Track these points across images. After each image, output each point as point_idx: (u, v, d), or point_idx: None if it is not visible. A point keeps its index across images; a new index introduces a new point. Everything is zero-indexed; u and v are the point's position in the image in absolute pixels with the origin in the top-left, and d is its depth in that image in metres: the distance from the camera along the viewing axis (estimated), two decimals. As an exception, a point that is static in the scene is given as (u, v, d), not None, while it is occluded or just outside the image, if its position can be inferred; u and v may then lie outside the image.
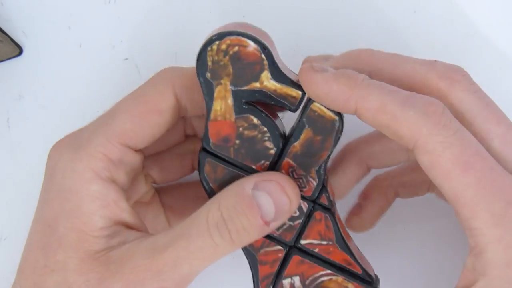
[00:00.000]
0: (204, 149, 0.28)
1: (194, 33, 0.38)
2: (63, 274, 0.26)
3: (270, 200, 0.27)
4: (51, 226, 0.27)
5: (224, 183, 0.28)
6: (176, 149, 0.34)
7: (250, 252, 0.29)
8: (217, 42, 0.27)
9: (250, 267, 0.29)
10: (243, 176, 0.28)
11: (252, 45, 0.27)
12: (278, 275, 0.29)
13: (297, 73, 0.28)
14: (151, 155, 0.33)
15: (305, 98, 0.28)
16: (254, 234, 0.27)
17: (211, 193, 0.28)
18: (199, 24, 0.38)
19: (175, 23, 0.38)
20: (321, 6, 0.38)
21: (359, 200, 0.34)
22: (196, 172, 0.34)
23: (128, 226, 0.28)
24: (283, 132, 0.28)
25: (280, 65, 0.27)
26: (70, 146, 0.28)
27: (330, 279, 0.28)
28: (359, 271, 0.29)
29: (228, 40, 0.27)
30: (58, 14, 0.39)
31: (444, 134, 0.25)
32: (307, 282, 0.29)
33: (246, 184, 0.27)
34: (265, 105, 0.28)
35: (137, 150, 0.29)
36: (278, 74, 0.27)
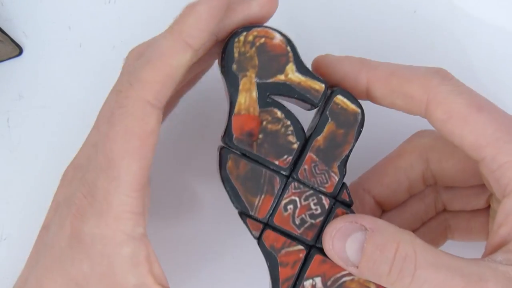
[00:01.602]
0: (226, 145, 0.28)
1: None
2: None
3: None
4: (79, 285, 0.26)
5: (247, 180, 0.28)
6: None
7: (271, 253, 0.28)
8: (244, 33, 0.27)
9: (270, 270, 0.28)
10: (266, 172, 0.28)
11: (278, 37, 0.27)
12: (299, 277, 0.28)
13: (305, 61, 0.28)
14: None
15: (328, 92, 0.28)
16: None
17: (232, 191, 0.28)
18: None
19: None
20: (321, 7, 0.38)
21: None
22: None
23: (156, 279, 0.27)
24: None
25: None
26: (92, 210, 0.26)
27: (352, 279, 0.28)
28: None
29: (255, 32, 0.27)
30: (58, 14, 0.39)
31: (453, 84, 0.26)
32: (328, 283, 0.28)
33: None
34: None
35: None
36: (302, 67, 0.28)
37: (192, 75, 0.33)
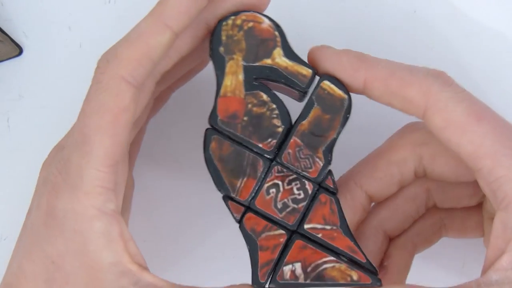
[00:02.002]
0: (211, 126, 0.28)
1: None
2: None
3: None
4: (55, 263, 0.26)
5: (229, 161, 0.28)
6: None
7: (251, 237, 0.28)
8: (232, 17, 0.28)
9: (250, 254, 0.28)
10: (249, 155, 0.28)
11: (266, 22, 0.28)
12: (279, 261, 0.28)
13: (305, 58, 0.28)
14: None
15: (315, 77, 0.28)
16: None
17: (214, 173, 0.28)
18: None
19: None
20: (321, 6, 0.38)
21: (382, 262, 0.33)
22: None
23: (133, 258, 0.27)
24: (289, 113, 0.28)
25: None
26: (65, 185, 0.27)
27: (333, 267, 0.28)
28: (363, 260, 0.28)
29: (243, 16, 0.28)
30: (58, 14, 0.39)
31: (454, 90, 0.26)
32: (308, 269, 0.28)
33: None
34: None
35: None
36: (290, 52, 0.28)
37: (185, 69, 0.32)
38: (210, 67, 0.29)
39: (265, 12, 0.28)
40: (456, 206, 0.33)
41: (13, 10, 0.39)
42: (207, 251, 0.37)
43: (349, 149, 0.31)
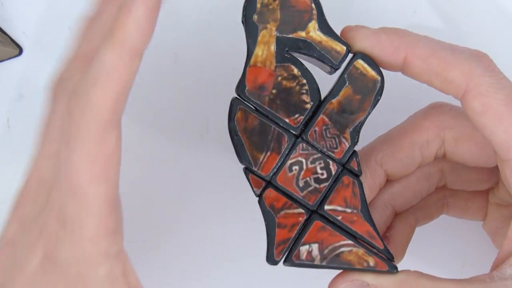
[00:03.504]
0: (238, 96, 0.27)
1: (194, 33, 0.38)
2: None
3: None
4: None
5: (254, 134, 0.27)
6: None
7: (270, 213, 0.27)
8: None
9: (267, 231, 0.27)
10: (274, 129, 0.27)
11: None
12: (296, 241, 0.27)
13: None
14: None
15: (349, 55, 0.27)
16: None
17: (238, 144, 0.27)
18: (199, 24, 0.38)
19: (175, 23, 0.38)
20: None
21: (384, 233, 0.33)
22: None
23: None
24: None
25: None
26: (65, 234, 0.26)
27: (350, 251, 0.27)
28: (381, 246, 0.27)
29: None
30: (58, 14, 0.39)
31: (496, 76, 0.26)
32: (325, 251, 0.27)
33: None
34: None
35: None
36: (325, 26, 0.27)
37: None
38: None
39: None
40: (466, 189, 0.33)
41: (13, 10, 0.39)
42: (207, 250, 0.38)
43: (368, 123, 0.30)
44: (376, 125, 0.31)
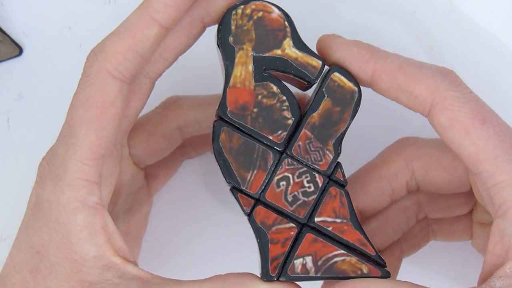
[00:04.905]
0: (219, 118, 0.27)
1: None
2: None
3: None
4: (40, 253, 0.27)
5: (239, 154, 0.27)
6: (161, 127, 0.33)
7: (261, 230, 0.28)
8: (242, 6, 0.27)
9: (259, 247, 0.28)
10: (259, 147, 0.27)
11: (276, 12, 0.27)
12: (289, 255, 0.28)
13: (314, 48, 0.28)
14: (139, 142, 0.32)
15: (325, 69, 0.28)
16: None
17: (224, 165, 0.27)
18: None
19: (175, 23, 0.38)
20: (320, 6, 0.38)
21: None
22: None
23: (118, 251, 0.27)
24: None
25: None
26: (50, 176, 0.27)
27: (343, 260, 0.28)
28: (373, 253, 0.28)
29: (253, 5, 0.27)
30: (58, 14, 0.39)
31: (461, 91, 0.26)
32: (319, 262, 0.28)
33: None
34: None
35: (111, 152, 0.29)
36: (300, 43, 0.27)
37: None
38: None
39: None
40: (447, 216, 0.33)
41: (13, 10, 0.39)
42: (206, 250, 0.37)
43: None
44: (359, 132, 0.32)
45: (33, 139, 0.38)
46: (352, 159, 0.31)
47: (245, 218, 0.28)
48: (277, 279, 0.28)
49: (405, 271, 0.33)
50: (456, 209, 0.32)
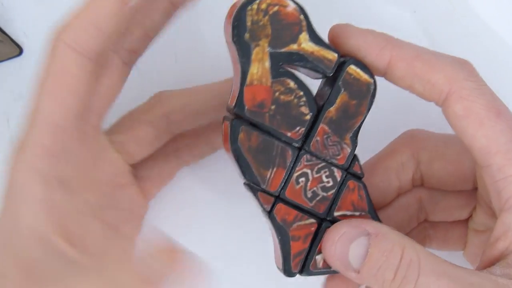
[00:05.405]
0: (236, 117, 0.27)
1: (194, 33, 0.38)
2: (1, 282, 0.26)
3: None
4: None
5: (258, 152, 0.27)
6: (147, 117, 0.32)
7: (282, 227, 0.27)
8: (257, 1, 0.26)
9: (281, 245, 0.28)
10: (278, 145, 0.27)
11: (291, 5, 0.26)
12: (311, 251, 0.28)
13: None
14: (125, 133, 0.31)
15: (340, 62, 0.27)
16: None
17: (244, 165, 0.27)
18: (199, 24, 0.38)
19: (175, 23, 0.38)
20: (320, 6, 0.38)
21: None
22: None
23: (61, 229, 0.26)
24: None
25: None
26: (18, 147, 0.26)
27: None
28: None
29: (268, 0, 0.26)
30: (58, 14, 0.38)
31: (478, 82, 0.26)
32: None
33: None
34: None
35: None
36: (315, 36, 0.27)
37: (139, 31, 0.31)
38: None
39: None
40: (446, 220, 0.33)
41: (13, 10, 0.39)
42: (207, 250, 0.37)
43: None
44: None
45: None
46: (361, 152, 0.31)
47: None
48: (300, 274, 0.28)
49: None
50: (456, 210, 0.32)
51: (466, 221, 0.33)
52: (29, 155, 0.26)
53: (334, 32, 0.28)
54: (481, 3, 0.38)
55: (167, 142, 0.33)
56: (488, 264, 0.26)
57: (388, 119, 0.35)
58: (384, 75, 0.28)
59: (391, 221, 0.32)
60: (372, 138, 0.33)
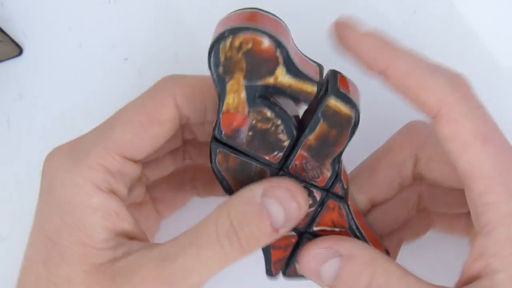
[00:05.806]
0: (215, 139, 0.27)
1: (194, 33, 0.38)
2: None
3: (279, 207, 0.26)
4: (52, 240, 0.27)
5: (237, 172, 0.27)
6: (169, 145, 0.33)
7: None
8: (230, 39, 0.25)
9: (263, 252, 0.29)
10: (256, 166, 0.27)
11: (266, 42, 0.25)
12: (291, 258, 0.29)
13: (315, 62, 0.27)
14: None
15: (321, 93, 0.27)
16: (264, 240, 0.27)
17: (223, 181, 0.28)
18: (199, 24, 0.38)
19: (175, 23, 0.38)
20: (319, 5, 0.38)
21: None
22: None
23: (130, 237, 0.28)
24: (298, 117, 0.28)
25: (295, 58, 0.26)
26: (68, 157, 0.27)
27: None
28: None
29: (241, 37, 0.24)
30: (58, 14, 0.39)
31: (469, 105, 0.26)
32: None
33: (256, 191, 0.27)
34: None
35: (136, 161, 0.29)
36: (294, 69, 0.25)
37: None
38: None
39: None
40: (447, 212, 0.33)
41: (13, 10, 0.39)
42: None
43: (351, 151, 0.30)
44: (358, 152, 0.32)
45: (33, 139, 0.38)
46: (355, 151, 0.31)
47: None
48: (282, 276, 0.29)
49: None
50: (455, 206, 0.32)
51: (469, 212, 0.33)
52: (93, 170, 0.27)
53: (335, 28, 0.28)
54: (481, 3, 0.38)
55: (185, 169, 0.35)
56: (466, 282, 0.26)
57: (389, 110, 0.35)
58: (381, 78, 0.28)
59: (390, 214, 0.32)
60: (373, 131, 0.33)
